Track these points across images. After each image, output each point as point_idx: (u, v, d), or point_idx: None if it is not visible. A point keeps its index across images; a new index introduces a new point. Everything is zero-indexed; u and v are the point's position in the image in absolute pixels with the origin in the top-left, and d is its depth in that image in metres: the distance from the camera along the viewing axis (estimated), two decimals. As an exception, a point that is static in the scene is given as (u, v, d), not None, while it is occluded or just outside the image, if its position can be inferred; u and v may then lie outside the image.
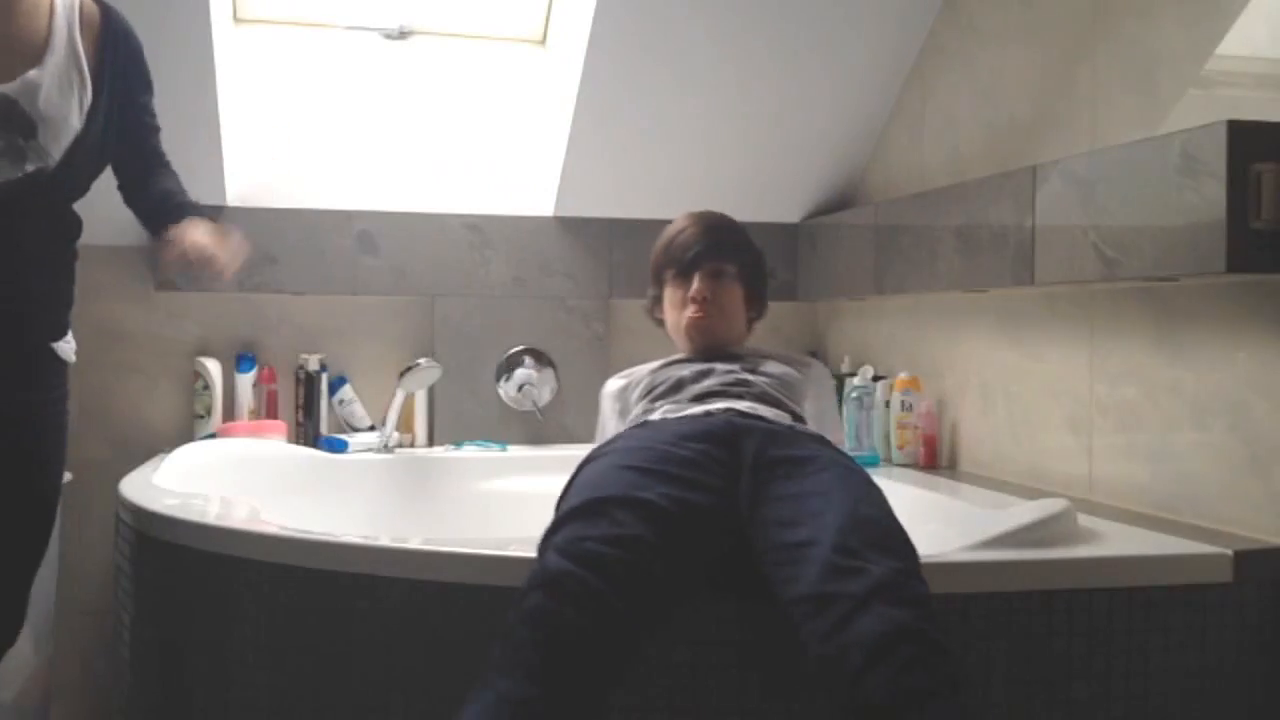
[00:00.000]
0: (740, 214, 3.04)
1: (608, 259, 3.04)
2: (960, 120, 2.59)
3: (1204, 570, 1.66)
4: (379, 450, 2.83)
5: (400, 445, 2.89)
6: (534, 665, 1.32)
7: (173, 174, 2.01)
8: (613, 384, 2.14)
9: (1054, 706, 1.60)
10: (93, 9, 1.82)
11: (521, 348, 2.99)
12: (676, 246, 2.04)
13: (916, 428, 2.59)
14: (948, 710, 1.26)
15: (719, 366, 1.97)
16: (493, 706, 1.30)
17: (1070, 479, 2.18)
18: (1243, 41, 1.87)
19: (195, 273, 1.96)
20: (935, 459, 2.58)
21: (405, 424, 2.92)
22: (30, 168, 1.69)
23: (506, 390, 2.97)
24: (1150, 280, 1.84)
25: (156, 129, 1.98)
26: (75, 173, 1.79)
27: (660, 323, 2.13)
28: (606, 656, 1.37)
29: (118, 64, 1.83)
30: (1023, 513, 1.78)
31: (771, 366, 2.01)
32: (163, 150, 1.99)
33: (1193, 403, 1.90)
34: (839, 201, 3.06)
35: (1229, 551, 1.66)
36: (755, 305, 2.11)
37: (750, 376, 1.94)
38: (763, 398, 1.90)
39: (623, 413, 2.05)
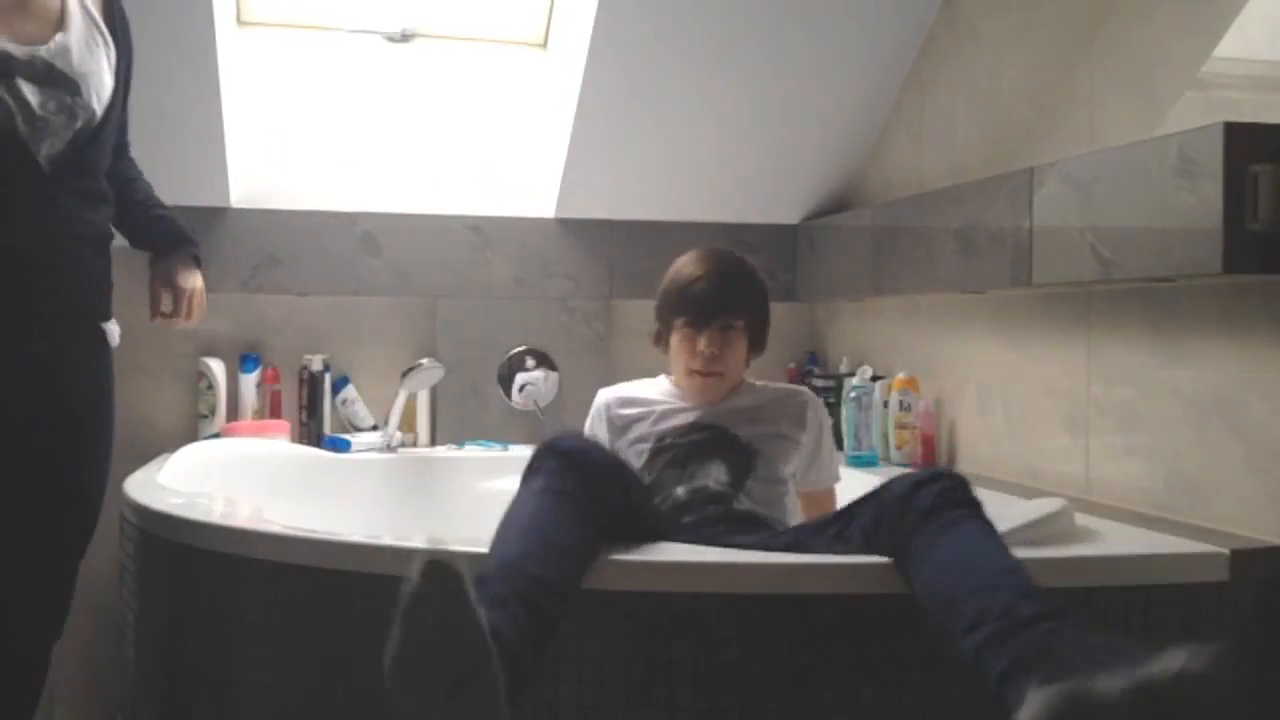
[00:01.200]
0: (740, 215, 3.08)
1: (608, 260, 3.05)
2: (958, 122, 2.60)
3: (1201, 569, 1.66)
4: (382, 450, 2.84)
5: (403, 445, 2.90)
6: (561, 466, 1.60)
7: (133, 162, 2.08)
8: (610, 396, 2.12)
9: (1051, 704, 1.61)
10: None
11: (523, 348, 3.00)
12: (688, 298, 2.00)
13: (915, 428, 2.59)
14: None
15: (712, 466, 1.98)
16: (537, 494, 1.57)
17: (1067, 478, 2.19)
18: (1240, 43, 1.87)
19: (170, 313, 2.10)
20: (933, 459, 2.58)
21: (408, 424, 2.93)
22: (79, 124, 1.74)
23: (509, 391, 2.98)
24: (1147, 281, 1.85)
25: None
26: (112, 131, 1.84)
27: (663, 349, 2.12)
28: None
29: (124, 25, 1.88)
30: (1020, 512, 1.79)
31: (765, 429, 2.02)
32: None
33: (1190, 403, 1.91)
34: (838, 203, 3.07)
35: (1226, 550, 1.66)
36: (757, 349, 2.11)
37: (736, 500, 1.94)
38: (747, 520, 1.93)
39: (615, 429, 2.07)
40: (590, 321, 3.05)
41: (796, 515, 2.03)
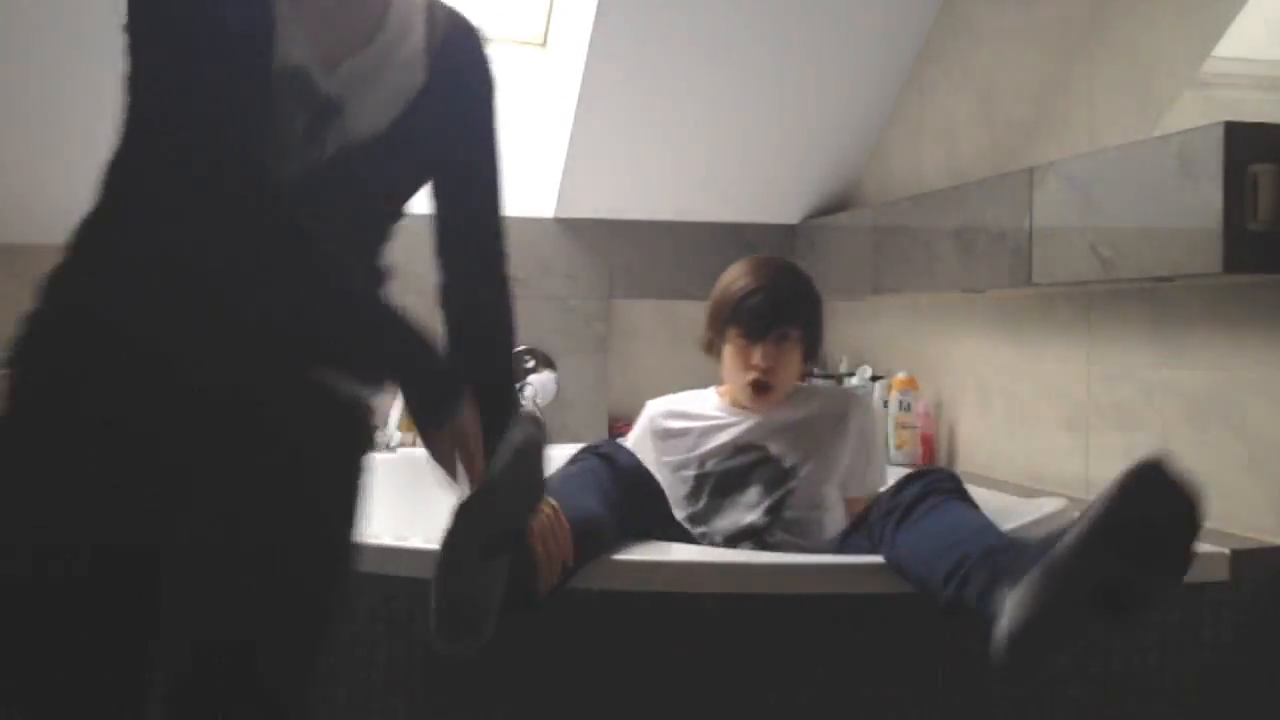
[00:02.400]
0: (739, 215, 3.08)
1: (608, 260, 3.05)
2: (958, 122, 2.60)
3: (1201, 569, 1.65)
4: (381, 450, 2.84)
5: (402, 445, 2.90)
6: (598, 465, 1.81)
7: (505, 313, 1.52)
8: (657, 408, 2.11)
9: (1052, 705, 1.61)
10: (445, 9, 1.45)
11: (522, 348, 3.00)
12: (745, 310, 1.98)
13: (914, 428, 2.59)
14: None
15: (750, 492, 1.98)
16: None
17: (1067, 478, 2.19)
18: (1240, 43, 1.87)
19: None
20: (933, 459, 2.58)
21: (407, 424, 2.93)
22: (331, 150, 1.31)
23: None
24: (1147, 281, 1.84)
25: (493, 191, 1.51)
26: (383, 172, 1.41)
27: (714, 357, 2.08)
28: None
29: (454, 60, 1.43)
30: (1021, 512, 1.79)
31: (807, 446, 2.00)
32: (500, 248, 1.52)
33: (1189, 402, 1.91)
34: (838, 203, 3.07)
35: (1226, 550, 1.67)
36: (811, 359, 2.08)
37: (770, 534, 1.94)
38: (794, 532, 1.95)
39: (658, 439, 2.06)
40: (590, 321, 3.05)
41: (840, 524, 1.99)
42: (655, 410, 2.11)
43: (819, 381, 2.84)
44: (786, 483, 1.97)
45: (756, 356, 1.98)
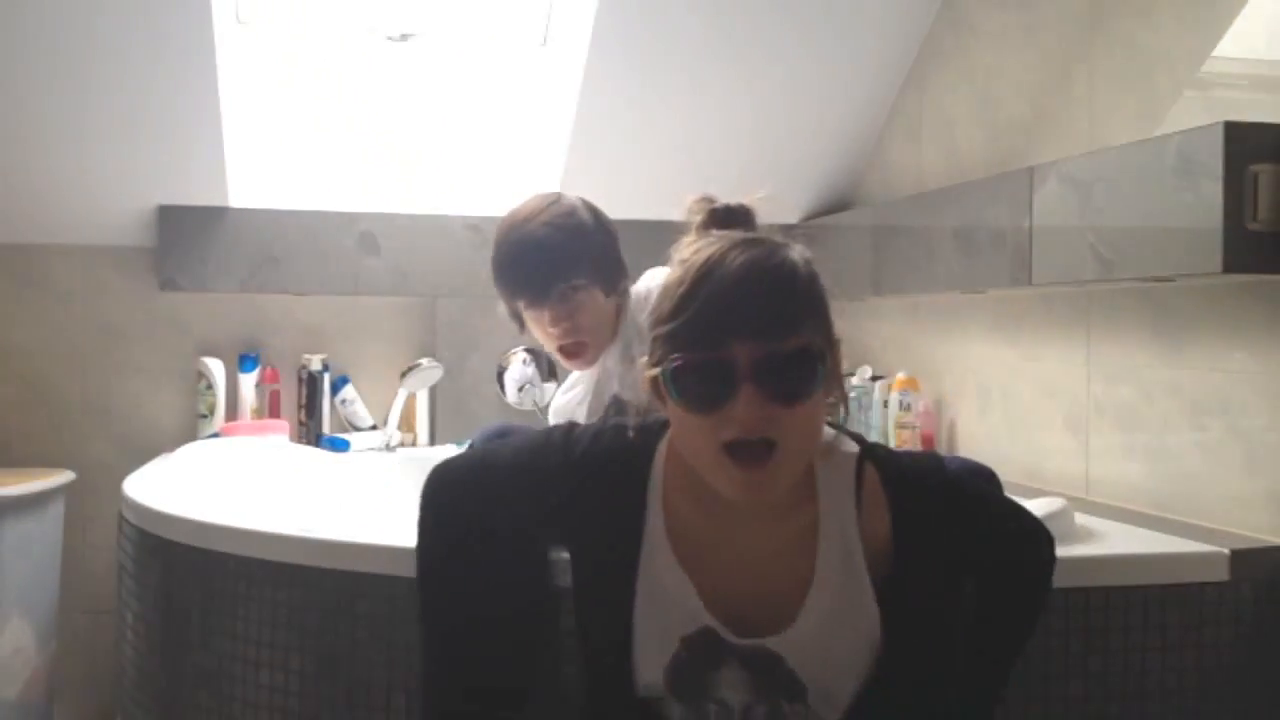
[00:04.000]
0: (740, 215, 3.07)
1: (608, 259, 3.04)
2: (958, 121, 2.59)
3: (1201, 569, 1.66)
4: (381, 450, 2.84)
5: (402, 445, 2.90)
6: None
7: None
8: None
9: (1050, 705, 1.61)
10: (876, 491, 1.21)
11: (521, 348, 2.99)
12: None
13: (914, 428, 2.59)
14: None
15: None
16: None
17: (1067, 478, 2.18)
18: (1240, 43, 1.86)
19: None
20: (934, 459, 2.58)
21: (407, 424, 2.93)
22: None
23: (508, 390, 2.97)
24: (1147, 281, 1.84)
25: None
26: None
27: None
28: None
29: (923, 546, 1.20)
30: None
31: None
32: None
33: (1189, 402, 1.91)
34: (837, 202, 3.07)
35: (1226, 550, 1.66)
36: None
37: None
38: None
39: None
40: (590, 321, 3.03)
41: None
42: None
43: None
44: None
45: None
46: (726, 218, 1.21)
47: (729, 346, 1.07)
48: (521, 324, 1.92)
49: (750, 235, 1.15)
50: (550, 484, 1.25)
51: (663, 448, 1.22)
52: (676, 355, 1.09)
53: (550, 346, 1.90)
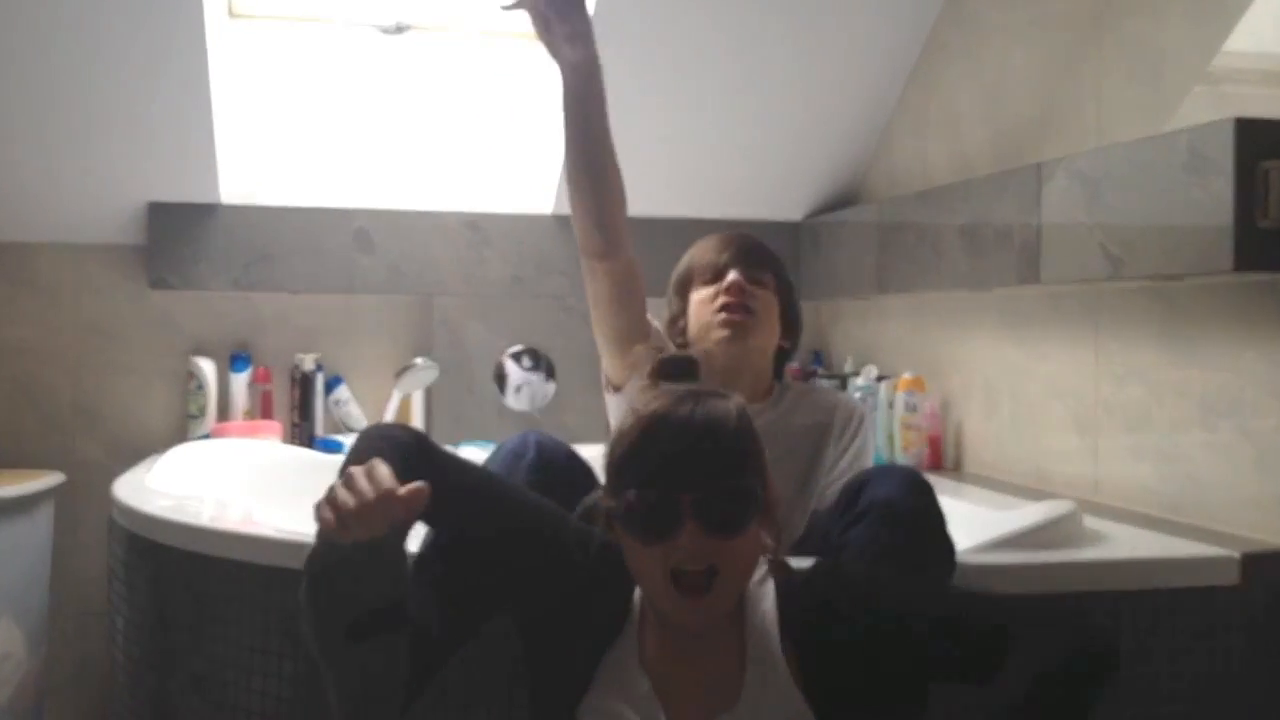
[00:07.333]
0: (743, 212, 3.04)
1: (607, 258, 3.01)
2: (964, 117, 2.57)
3: (1211, 573, 1.65)
4: (376, 450, 2.81)
5: (398, 445, 2.87)
6: None
7: None
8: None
9: (1060, 712, 1.58)
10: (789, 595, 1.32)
11: (519, 348, 2.97)
12: (705, 261, 1.88)
13: (921, 428, 2.56)
14: None
15: None
16: None
17: (1076, 480, 2.16)
18: (1250, 38, 1.86)
19: None
20: (940, 460, 2.56)
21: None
22: None
23: (505, 391, 2.95)
24: (1157, 279, 1.83)
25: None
26: None
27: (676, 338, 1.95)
28: None
29: (822, 632, 1.27)
30: (1028, 514, 1.77)
31: (789, 468, 1.75)
32: None
33: (1200, 403, 1.88)
34: (842, 200, 3.05)
35: (1236, 554, 1.66)
36: (790, 331, 1.91)
37: None
38: None
39: None
40: (589, 321, 3.01)
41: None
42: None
43: (822, 382, 2.81)
44: None
45: (727, 280, 1.79)
46: (673, 368, 1.35)
47: (674, 491, 1.22)
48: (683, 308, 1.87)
49: (692, 389, 1.28)
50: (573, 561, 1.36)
51: None
52: (630, 493, 1.24)
53: (711, 311, 1.81)
